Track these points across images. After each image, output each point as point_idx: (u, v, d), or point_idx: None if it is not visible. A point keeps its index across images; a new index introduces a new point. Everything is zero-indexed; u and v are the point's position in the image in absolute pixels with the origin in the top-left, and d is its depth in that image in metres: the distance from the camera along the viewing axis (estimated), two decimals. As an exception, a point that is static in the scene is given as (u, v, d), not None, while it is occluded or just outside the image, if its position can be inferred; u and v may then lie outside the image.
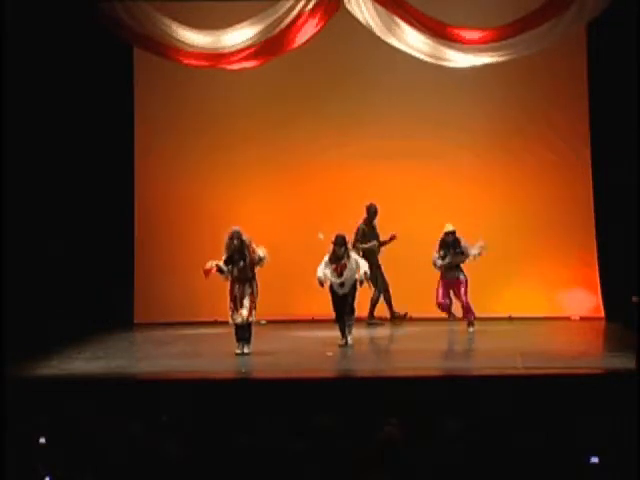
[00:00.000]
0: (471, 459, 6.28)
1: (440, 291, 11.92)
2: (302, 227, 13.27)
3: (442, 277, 11.94)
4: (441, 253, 11.84)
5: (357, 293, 10.94)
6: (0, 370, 8.14)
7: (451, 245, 11.82)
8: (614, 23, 11.78)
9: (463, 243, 11.83)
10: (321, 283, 10.75)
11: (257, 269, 10.49)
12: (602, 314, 12.87)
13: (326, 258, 10.78)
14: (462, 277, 11.90)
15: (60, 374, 9.60)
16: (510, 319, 12.88)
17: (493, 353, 10.36)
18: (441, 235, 11.89)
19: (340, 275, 10.76)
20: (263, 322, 12.58)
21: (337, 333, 11.55)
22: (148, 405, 8.16)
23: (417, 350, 11.31)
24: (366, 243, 12.34)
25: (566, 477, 6.22)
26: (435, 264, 11.90)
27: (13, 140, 10.47)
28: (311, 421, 6.77)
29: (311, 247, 12.82)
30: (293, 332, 11.17)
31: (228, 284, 10.47)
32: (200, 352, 10.71)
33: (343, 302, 10.85)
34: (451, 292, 11.98)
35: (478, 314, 12.49)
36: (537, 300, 13.10)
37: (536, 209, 13.08)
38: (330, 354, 10.52)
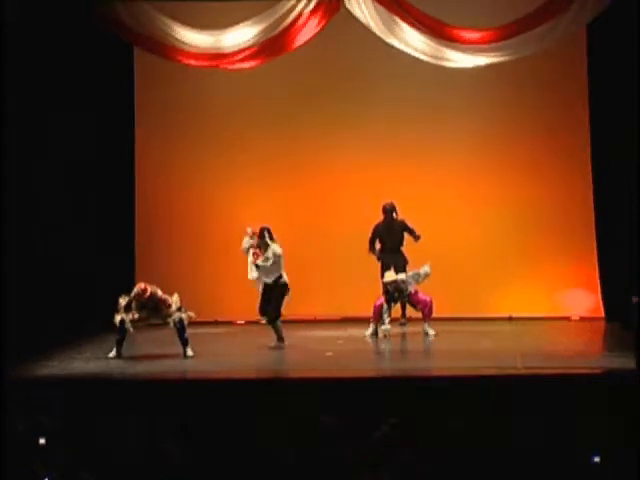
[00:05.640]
0: (471, 459, 6.28)
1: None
2: (303, 227, 13.27)
3: None
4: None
5: (284, 298, 10.98)
6: (0, 370, 8.14)
7: None
8: (614, 23, 11.77)
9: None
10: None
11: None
12: (602, 314, 12.85)
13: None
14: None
15: (60, 374, 9.61)
16: (510, 319, 12.87)
17: (493, 353, 10.35)
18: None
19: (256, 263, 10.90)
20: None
21: (337, 333, 11.59)
22: (148, 405, 8.16)
23: (417, 350, 11.33)
24: (378, 243, 12.07)
25: (566, 477, 6.22)
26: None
27: (13, 139, 10.46)
28: (311, 421, 6.77)
29: (311, 247, 12.87)
30: (293, 332, 11.16)
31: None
32: (200, 352, 10.70)
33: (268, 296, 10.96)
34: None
35: (478, 314, 12.49)
36: (537, 300, 13.08)
37: (536, 209, 13.07)
38: (330, 354, 10.51)
